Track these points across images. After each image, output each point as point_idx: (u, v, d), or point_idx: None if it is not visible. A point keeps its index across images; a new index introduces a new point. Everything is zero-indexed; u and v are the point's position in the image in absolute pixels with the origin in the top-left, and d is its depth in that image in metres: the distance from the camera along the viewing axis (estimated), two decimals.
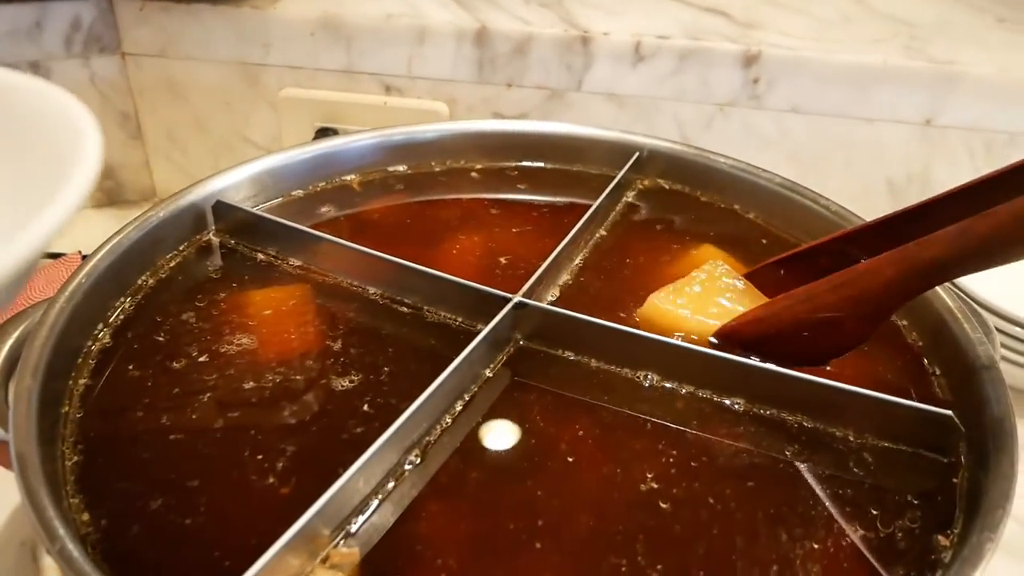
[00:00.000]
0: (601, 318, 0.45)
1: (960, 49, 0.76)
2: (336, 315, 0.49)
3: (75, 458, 0.39)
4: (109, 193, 0.91)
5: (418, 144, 0.64)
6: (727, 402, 0.44)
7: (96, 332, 0.46)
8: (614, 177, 0.60)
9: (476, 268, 0.54)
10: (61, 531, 0.33)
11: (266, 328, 0.48)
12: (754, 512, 0.38)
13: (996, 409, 0.41)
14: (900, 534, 0.38)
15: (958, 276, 0.42)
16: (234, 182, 0.57)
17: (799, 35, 0.78)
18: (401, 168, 0.64)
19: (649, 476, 0.40)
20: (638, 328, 0.45)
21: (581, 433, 0.42)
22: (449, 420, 0.42)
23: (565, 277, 0.53)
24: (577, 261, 0.55)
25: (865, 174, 0.79)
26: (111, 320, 0.48)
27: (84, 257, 0.48)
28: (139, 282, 0.50)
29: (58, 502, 0.35)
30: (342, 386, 0.44)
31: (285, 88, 0.84)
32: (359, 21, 0.79)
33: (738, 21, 0.81)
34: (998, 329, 0.55)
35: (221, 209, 0.55)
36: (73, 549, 0.33)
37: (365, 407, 0.43)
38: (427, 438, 0.41)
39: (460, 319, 0.48)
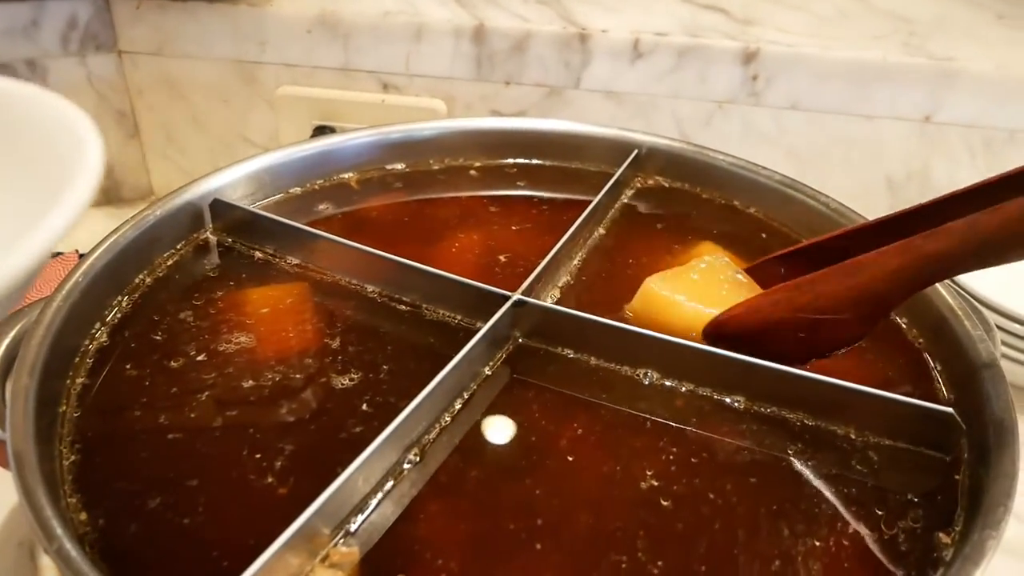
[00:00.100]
0: (601, 315, 0.45)
1: (959, 45, 0.76)
2: (334, 313, 0.49)
3: (73, 457, 0.39)
4: (106, 192, 0.90)
5: (416, 142, 0.64)
6: (727, 400, 0.44)
7: (93, 331, 0.46)
8: (613, 174, 0.60)
9: (475, 266, 0.54)
10: (59, 531, 0.33)
11: (264, 326, 0.48)
12: (754, 510, 0.38)
13: (997, 406, 0.41)
14: (902, 532, 0.38)
15: (962, 272, 0.42)
16: (231, 180, 0.56)
17: (798, 32, 0.78)
18: (399, 166, 0.64)
19: (649, 474, 0.39)
20: (632, 311, 0.45)
21: (581, 431, 0.42)
22: (448, 418, 0.42)
23: (564, 275, 0.53)
24: (576, 259, 0.54)
25: (864, 171, 0.79)
26: (108, 319, 0.47)
27: (81, 256, 0.48)
28: (136, 281, 0.50)
29: (56, 501, 0.35)
30: (341, 384, 0.44)
31: (282, 86, 0.83)
32: (356, 18, 0.79)
33: (737, 18, 0.81)
34: (999, 326, 0.55)
35: (218, 207, 0.55)
36: (71, 549, 0.32)
37: (364, 406, 0.42)
38: (426, 436, 0.41)
39: (459, 317, 0.48)
